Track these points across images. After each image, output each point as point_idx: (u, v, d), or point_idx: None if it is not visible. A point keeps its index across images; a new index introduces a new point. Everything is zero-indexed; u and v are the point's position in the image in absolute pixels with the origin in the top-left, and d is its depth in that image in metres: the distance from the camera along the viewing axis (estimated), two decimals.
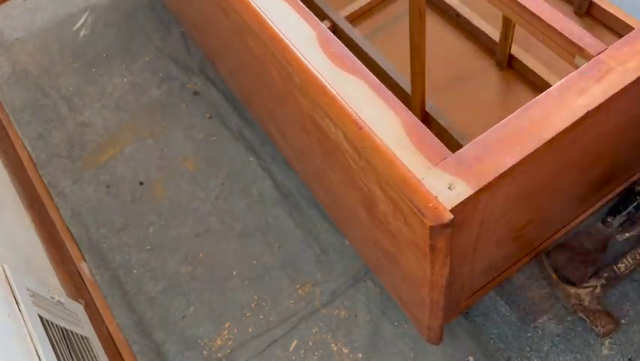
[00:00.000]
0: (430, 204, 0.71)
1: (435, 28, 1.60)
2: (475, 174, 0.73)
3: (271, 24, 0.91)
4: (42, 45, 1.88)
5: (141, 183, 1.55)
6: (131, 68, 1.78)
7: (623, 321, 1.17)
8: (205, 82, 1.70)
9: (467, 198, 0.72)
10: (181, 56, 1.77)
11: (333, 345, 1.25)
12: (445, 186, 0.72)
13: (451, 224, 0.70)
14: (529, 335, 1.18)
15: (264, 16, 0.92)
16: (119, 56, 1.81)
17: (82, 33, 1.89)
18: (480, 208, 0.79)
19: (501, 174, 0.73)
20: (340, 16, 1.61)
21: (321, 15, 1.65)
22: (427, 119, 1.44)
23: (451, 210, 0.71)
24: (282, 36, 0.89)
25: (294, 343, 1.27)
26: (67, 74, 1.80)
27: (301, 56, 0.86)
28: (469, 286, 1.09)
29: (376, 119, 0.79)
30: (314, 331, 1.27)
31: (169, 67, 1.75)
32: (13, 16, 1.98)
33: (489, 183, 0.72)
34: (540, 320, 1.19)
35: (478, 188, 0.72)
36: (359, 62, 0.86)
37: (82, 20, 1.92)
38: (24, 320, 1.02)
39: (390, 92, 0.82)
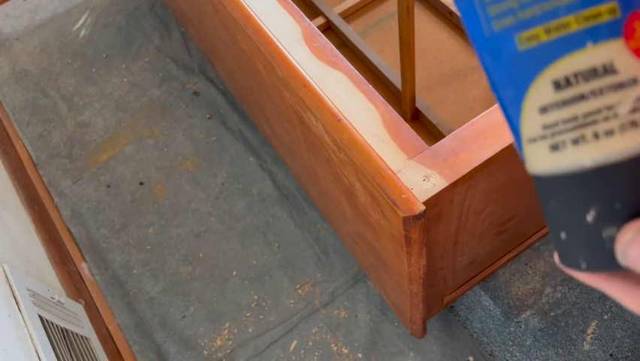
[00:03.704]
0: (403, 196, 0.72)
1: (428, 25, 1.61)
2: (451, 167, 0.74)
3: (255, 17, 0.92)
4: (42, 45, 1.89)
5: (141, 183, 1.55)
6: (131, 68, 1.78)
7: (605, 317, 1.17)
8: (205, 82, 1.70)
9: (442, 191, 0.73)
10: (181, 56, 1.77)
11: (333, 345, 1.25)
12: (420, 179, 0.74)
13: (423, 215, 0.72)
14: (512, 329, 1.19)
15: (248, 9, 0.93)
16: (119, 56, 1.81)
17: (82, 33, 1.89)
18: (457, 201, 0.80)
19: (476, 167, 0.74)
20: (334, 13, 1.62)
21: (316, 11, 1.65)
22: (417, 115, 1.44)
23: (426, 202, 0.72)
24: (265, 29, 0.90)
25: (294, 343, 1.27)
26: (67, 74, 1.80)
27: (284, 49, 0.87)
28: (452, 281, 1.10)
29: (355, 112, 0.81)
30: (314, 331, 1.27)
31: (169, 67, 1.75)
32: (13, 16, 1.98)
33: (464, 175, 0.74)
34: (523, 315, 1.20)
35: (452, 180, 0.74)
36: (342, 56, 0.87)
37: (82, 20, 1.93)
38: (24, 320, 1.02)
39: (371, 86, 0.83)
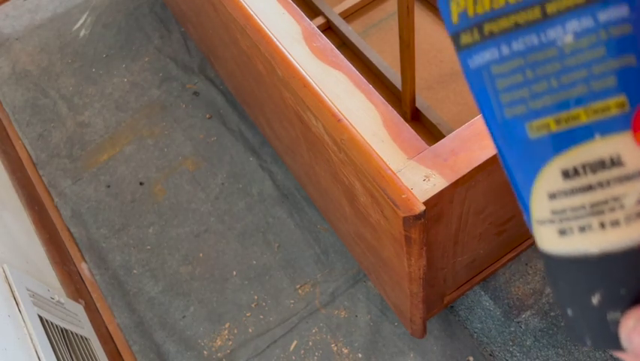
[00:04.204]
0: (403, 196, 0.72)
1: (428, 25, 1.61)
2: (451, 167, 0.74)
3: (255, 17, 0.92)
4: (42, 45, 1.89)
5: (141, 183, 1.55)
6: (131, 68, 1.78)
7: None
8: (205, 82, 1.70)
9: (442, 191, 0.73)
10: (181, 56, 1.77)
11: (333, 345, 1.25)
12: (420, 179, 0.74)
13: (423, 215, 0.71)
14: (512, 329, 1.19)
15: (248, 9, 0.93)
16: (119, 56, 1.81)
17: (82, 33, 1.89)
18: (457, 201, 0.80)
19: (476, 167, 0.74)
20: (334, 13, 1.62)
21: (316, 11, 1.65)
22: (417, 115, 1.44)
23: (426, 202, 0.72)
24: (265, 29, 0.90)
25: (294, 343, 1.27)
26: (67, 74, 1.80)
27: (284, 49, 0.87)
28: (452, 281, 1.10)
29: (355, 112, 0.81)
30: (314, 331, 1.27)
31: (169, 67, 1.75)
32: (13, 16, 1.98)
33: (464, 175, 0.74)
34: (524, 316, 1.20)
35: (453, 180, 0.74)
36: (342, 56, 0.87)
37: (82, 20, 1.93)
38: (24, 321, 1.02)
39: (371, 87, 0.83)
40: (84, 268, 1.43)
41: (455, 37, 0.26)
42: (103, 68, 1.80)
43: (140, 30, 1.86)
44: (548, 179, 0.25)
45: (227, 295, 1.35)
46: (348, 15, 1.66)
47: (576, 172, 0.25)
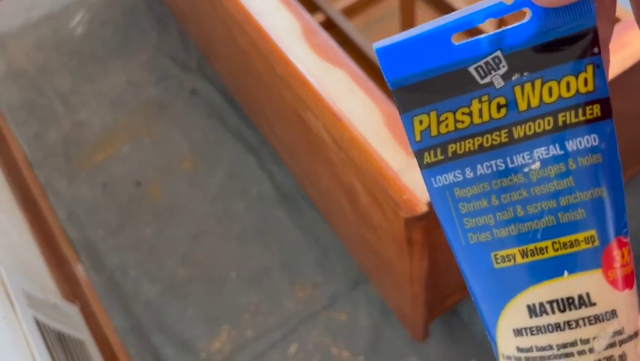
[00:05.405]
0: (405, 196, 0.70)
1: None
2: None
3: (254, 14, 0.90)
4: (38, 43, 1.87)
5: (138, 184, 1.53)
6: (128, 67, 1.76)
7: None
8: (203, 81, 1.68)
9: None
10: (179, 54, 1.75)
11: (333, 348, 1.24)
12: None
13: (426, 216, 0.70)
14: None
15: (246, 5, 0.91)
16: (116, 55, 1.79)
17: (78, 31, 1.87)
18: None
19: None
20: (335, 9, 1.60)
21: (315, 7, 1.63)
22: None
23: (429, 203, 0.70)
24: (264, 27, 0.88)
25: (294, 346, 1.25)
26: (63, 72, 1.78)
27: (283, 47, 0.85)
28: (455, 283, 1.09)
29: (356, 110, 0.79)
30: (314, 334, 1.26)
31: (167, 65, 1.74)
32: (8, 14, 1.96)
33: None
34: None
35: None
36: (343, 53, 0.85)
37: (78, 18, 1.90)
38: (19, 323, 1.01)
39: (372, 84, 0.81)
40: (80, 269, 1.41)
41: (418, 155, 0.25)
42: (100, 66, 1.78)
43: (138, 28, 1.84)
44: (514, 314, 0.24)
45: (226, 297, 1.33)
46: (349, 12, 1.64)
47: (543, 310, 0.23)
